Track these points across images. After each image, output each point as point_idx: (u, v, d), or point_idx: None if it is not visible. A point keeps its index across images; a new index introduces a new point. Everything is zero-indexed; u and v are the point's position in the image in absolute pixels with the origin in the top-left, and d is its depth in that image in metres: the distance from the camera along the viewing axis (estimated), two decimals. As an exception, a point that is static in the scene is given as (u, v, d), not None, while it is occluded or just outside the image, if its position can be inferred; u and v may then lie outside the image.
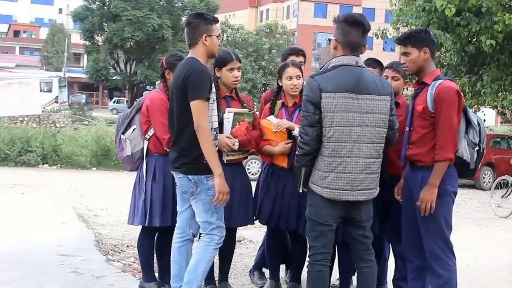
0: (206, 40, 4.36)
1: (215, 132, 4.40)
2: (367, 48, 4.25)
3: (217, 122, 4.45)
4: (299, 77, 5.07)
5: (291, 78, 5.05)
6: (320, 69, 4.24)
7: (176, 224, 4.65)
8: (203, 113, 4.22)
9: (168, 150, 4.67)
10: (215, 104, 4.42)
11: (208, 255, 4.38)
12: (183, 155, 4.32)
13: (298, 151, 4.14)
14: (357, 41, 4.11)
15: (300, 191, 4.23)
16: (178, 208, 4.58)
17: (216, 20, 4.46)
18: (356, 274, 4.47)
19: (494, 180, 18.03)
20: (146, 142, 5.02)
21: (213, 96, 4.35)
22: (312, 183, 4.12)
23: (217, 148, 4.46)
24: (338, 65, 4.08)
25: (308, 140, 4.05)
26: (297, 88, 5.05)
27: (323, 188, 4.06)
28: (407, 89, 5.17)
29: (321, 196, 4.07)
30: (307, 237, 4.26)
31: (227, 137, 4.82)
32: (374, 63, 5.22)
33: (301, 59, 5.51)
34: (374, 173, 4.12)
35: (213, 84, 4.38)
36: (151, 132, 4.99)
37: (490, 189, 17.98)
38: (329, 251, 4.19)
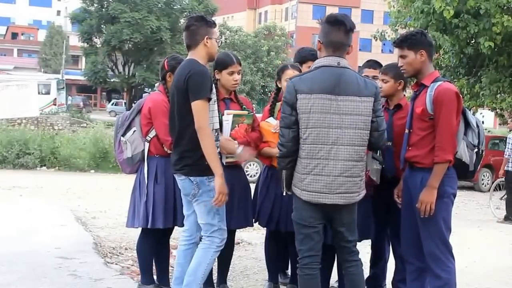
0: (207, 42, 4.37)
1: (216, 133, 4.39)
2: (353, 49, 4.15)
3: (218, 123, 4.45)
4: None
5: None
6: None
7: (184, 227, 4.63)
8: (204, 113, 4.23)
9: (169, 152, 4.66)
10: (216, 105, 4.42)
11: (208, 257, 4.37)
12: (185, 157, 4.31)
13: (278, 154, 4.13)
14: (339, 41, 4.04)
15: (284, 193, 4.22)
16: (185, 211, 4.57)
17: (215, 24, 4.50)
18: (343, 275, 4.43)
19: (493, 182, 18.03)
20: (147, 144, 5.01)
21: (213, 96, 4.36)
22: (293, 186, 4.10)
23: (218, 150, 4.45)
24: (318, 66, 4.04)
25: (284, 142, 4.03)
26: None
27: (301, 191, 4.03)
28: (405, 90, 5.14)
29: (301, 198, 4.05)
30: (295, 241, 4.22)
31: (226, 139, 4.82)
32: (374, 64, 5.22)
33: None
34: (356, 176, 4.03)
35: (213, 85, 4.38)
36: (152, 134, 4.98)
37: (489, 191, 18.00)
38: (317, 253, 4.13)
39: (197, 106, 4.21)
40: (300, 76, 4.08)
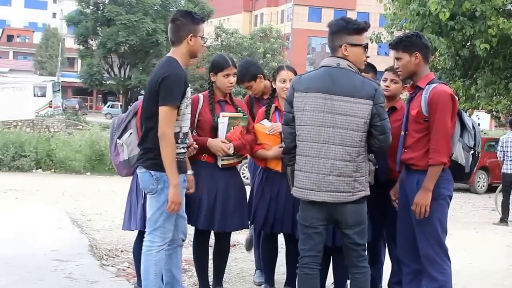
0: (191, 40, 4.30)
1: (183, 137, 4.32)
2: (346, 49, 4.10)
3: (188, 127, 4.37)
4: None
5: (284, 81, 5.06)
6: None
7: None
8: (170, 120, 4.14)
9: None
10: (189, 109, 4.35)
11: (153, 259, 4.29)
12: (149, 151, 4.25)
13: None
14: (329, 44, 4.21)
15: (291, 192, 4.25)
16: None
17: (202, 20, 4.41)
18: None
19: (489, 184, 18.06)
20: None
21: (186, 101, 4.27)
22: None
23: (185, 151, 4.41)
24: (320, 66, 4.17)
25: (284, 138, 4.26)
26: None
27: (293, 187, 4.14)
28: (401, 93, 5.15)
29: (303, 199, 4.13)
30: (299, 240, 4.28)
31: (222, 142, 4.82)
32: (367, 67, 5.17)
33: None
34: (347, 176, 4.03)
35: (188, 89, 4.28)
36: None
37: (484, 192, 18.02)
38: (317, 254, 4.17)
39: (163, 111, 4.13)
40: (301, 75, 4.23)
